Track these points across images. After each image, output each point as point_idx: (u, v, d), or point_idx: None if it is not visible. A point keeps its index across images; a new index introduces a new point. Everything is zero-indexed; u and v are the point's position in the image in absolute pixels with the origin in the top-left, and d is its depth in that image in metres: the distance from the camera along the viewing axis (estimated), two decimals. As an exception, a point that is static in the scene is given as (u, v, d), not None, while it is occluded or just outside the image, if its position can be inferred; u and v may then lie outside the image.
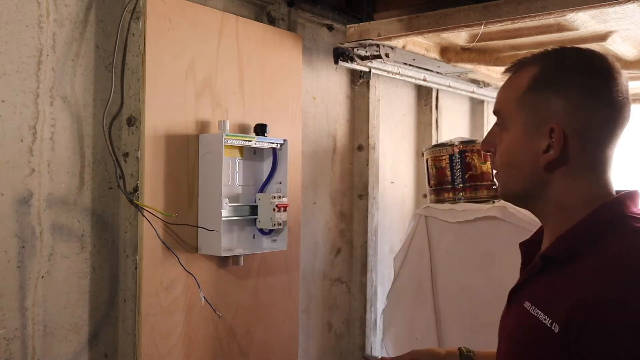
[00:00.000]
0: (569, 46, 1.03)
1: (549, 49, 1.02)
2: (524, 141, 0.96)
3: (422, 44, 2.15)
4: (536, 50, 1.04)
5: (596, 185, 0.94)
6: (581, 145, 0.93)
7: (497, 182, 1.04)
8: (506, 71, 1.04)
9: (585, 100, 0.92)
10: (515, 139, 0.97)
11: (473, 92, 2.88)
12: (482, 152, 1.05)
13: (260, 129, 1.69)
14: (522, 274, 1.03)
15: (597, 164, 0.94)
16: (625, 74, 0.96)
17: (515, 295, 1.01)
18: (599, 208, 0.92)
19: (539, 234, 1.07)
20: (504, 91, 1.02)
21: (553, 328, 0.84)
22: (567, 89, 0.94)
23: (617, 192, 0.96)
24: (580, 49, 1.01)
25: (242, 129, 1.72)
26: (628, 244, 0.87)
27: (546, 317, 0.86)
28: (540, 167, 0.94)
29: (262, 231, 1.75)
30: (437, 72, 2.58)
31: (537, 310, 0.89)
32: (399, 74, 2.39)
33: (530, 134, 0.95)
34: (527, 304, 0.92)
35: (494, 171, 1.05)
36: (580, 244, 0.90)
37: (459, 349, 1.36)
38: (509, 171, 0.99)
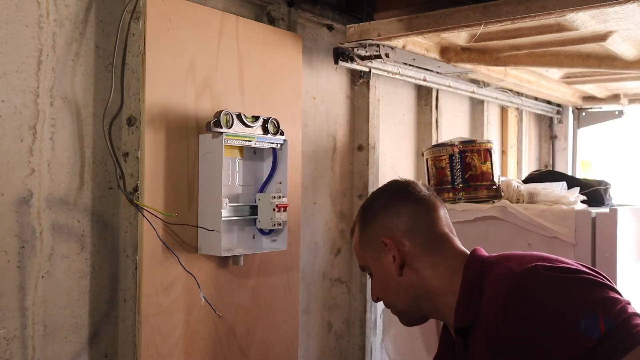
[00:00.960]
0: (375, 192, 1.29)
1: (363, 204, 1.27)
2: (381, 268, 1.18)
3: (422, 44, 2.15)
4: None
5: (446, 258, 1.13)
6: (412, 239, 1.14)
7: (395, 314, 1.23)
8: (351, 238, 1.29)
9: (391, 212, 1.17)
10: (378, 273, 1.19)
11: (473, 92, 2.88)
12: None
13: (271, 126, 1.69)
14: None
15: (435, 244, 1.15)
16: (419, 183, 1.24)
17: None
18: (466, 269, 1.09)
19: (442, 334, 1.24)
20: (355, 252, 1.27)
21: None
22: (375, 215, 1.19)
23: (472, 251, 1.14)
24: (379, 189, 1.28)
25: (242, 129, 1.72)
26: (496, 277, 1.04)
27: None
28: (399, 278, 1.15)
29: (262, 231, 1.75)
30: (437, 72, 2.57)
31: None
32: (399, 74, 2.39)
33: (379, 260, 1.17)
34: None
35: (388, 307, 1.24)
36: (472, 301, 1.05)
37: None
38: (390, 298, 1.20)
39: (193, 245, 1.60)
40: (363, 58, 2.20)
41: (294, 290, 1.92)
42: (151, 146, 1.49)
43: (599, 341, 0.87)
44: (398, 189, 1.22)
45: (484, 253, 1.13)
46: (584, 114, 3.84)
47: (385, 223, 1.17)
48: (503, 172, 3.30)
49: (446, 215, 1.20)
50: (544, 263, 0.99)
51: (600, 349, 0.87)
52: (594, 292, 0.94)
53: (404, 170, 2.64)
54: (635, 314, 0.91)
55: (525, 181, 2.30)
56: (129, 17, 1.50)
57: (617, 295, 0.94)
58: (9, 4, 1.31)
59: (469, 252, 1.14)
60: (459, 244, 1.17)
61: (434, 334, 2.05)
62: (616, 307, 0.91)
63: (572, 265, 1.01)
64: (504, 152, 3.35)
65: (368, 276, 1.26)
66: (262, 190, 1.75)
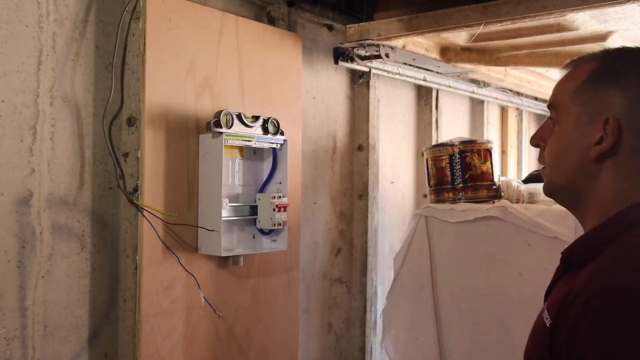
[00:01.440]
0: (630, 46, 1.02)
1: (610, 48, 1.01)
2: (577, 133, 0.95)
3: (422, 44, 2.15)
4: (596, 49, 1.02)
5: (637, 183, 0.93)
6: (634, 141, 0.91)
7: (544, 178, 1.03)
8: (565, 67, 1.02)
9: None
10: (568, 131, 0.97)
11: (473, 92, 2.88)
12: (532, 144, 1.04)
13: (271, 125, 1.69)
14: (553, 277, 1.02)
15: None
16: None
17: (545, 298, 1.01)
18: (625, 210, 0.91)
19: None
20: (560, 84, 1.01)
21: (547, 324, 0.85)
22: (627, 82, 0.93)
23: None
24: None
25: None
26: (631, 247, 0.86)
27: (547, 316, 0.87)
28: (590, 159, 0.93)
29: (262, 231, 1.75)
30: (437, 72, 2.58)
31: (546, 312, 0.89)
32: (399, 74, 2.39)
33: (584, 126, 0.94)
34: (545, 307, 0.92)
35: (542, 167, 1.04)
36: (594, 246, 0.90)
37: None
38: (558, 163, 0.99)
39: (193, 245, 1.60)
40: (363, 58, 2.20)
41: (294, 290, 1.92)
42: (151, 146, 1.49)
43: None
44: None
45: None
46: (584, 114, 3.83)
47: (624, 102, 0.91)
48: (503, 172, 3.31)
49: None
50: None
51: None
52: None
53: (404, 170, 2.64)
54: None
55: (525, 181, 2.30)
56: (129, 17, 1.50)
57: None
58: (9, 4, 1.31)
59: None
60: None
61: (434, 334, 2.05)
62: None
63: None
64: (504, 152, 3.35)
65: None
66: (262, 190, 1.75)
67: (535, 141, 1.03)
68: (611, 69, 0.95)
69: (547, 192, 1.03)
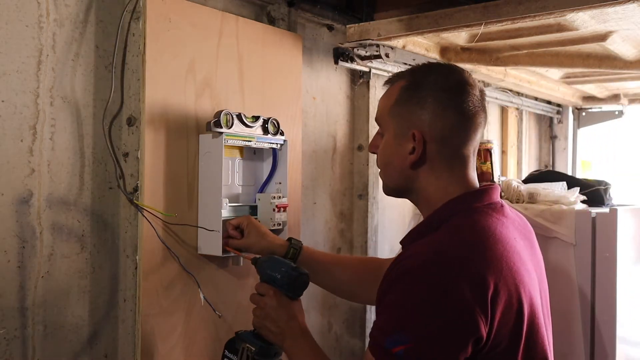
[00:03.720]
0: (435, 62, 1.25)
1: (419, 64, 1.21)
2: (395, 144, 1.15)
3: (422, 44, 2.15)
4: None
5: (454, 180, 1.13)
6: (438, 148, 1.12)
7: (380, 179, 1.23)
8: (385, 84, 1.22)
9: (440, 111, 1.11)
10: (389, 143, 1.17)
11: (473, 92, 2.87)
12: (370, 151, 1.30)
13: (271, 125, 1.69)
14: None
15: (454, 163, 1.13)
16: (479, 87, 1.16)
17: None
18: (445, 203, 1.11)
19: None
20: (381, 101, 1.20)
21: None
22: (425, 100, 1.12)
23: (481, 185, 1.15)
24: (441, 65, 1.23)
25: (242, 129, 1.72)
26: (449, 230, 1.06)
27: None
28: (407, 166, 1.14)
29: (262, 231, 1.75)
30: (437, 72, 2.57)
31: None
32: (399, 74, 2.39)
33: (399, 138, 1.14)
34: None
35: (379, 170, 1.23)
36: (422, 232, 1.11)
37: (289, 239, 1.55)
38: (386, 169, 1.19)
39: (193, 245, 1.60)
40: (363, 58, 2.20)
41: (294, 290, 1.92)
42: (151, 146, 1.49)
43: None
44: (457, 84, 1.14)
45: (488, 199, 1.13)
46: (584, 114, 3.84)
47: (426, 117, 1.12)
48: (503, 172, 3.31)
49: (481, 134, 1.17)
50: (433, 260, 1.01)
51: None
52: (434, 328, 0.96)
53: (404, 170, 2.64)
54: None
55: (525, 181, 2.30)
56: (129, 17, 1.50)
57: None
58: (9, 4, 1.31)
59: (473, 184, 1.15)
60: (472, 172, 1.16)
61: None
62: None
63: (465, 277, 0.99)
64: (504, 152, 3.35)
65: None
66: (262, 190, 1.75)
67: (371, 149, 1.23)
68: (414, 89, 1.14)
69: (385, 192, 1.24)
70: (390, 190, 1.22)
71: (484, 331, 0.95)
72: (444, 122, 1.11)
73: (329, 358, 1.30)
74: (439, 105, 1.11)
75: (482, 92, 1.16)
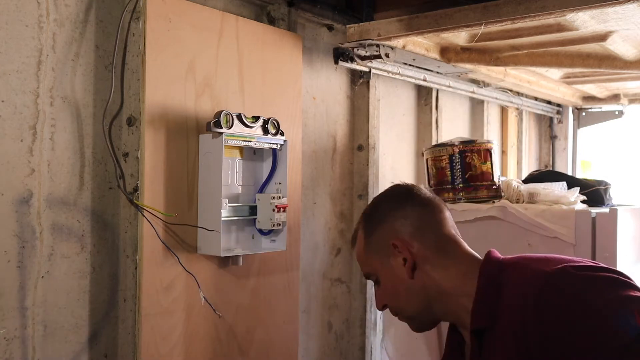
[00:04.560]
0: (379, 194, 1.28)
1: (366, 209, 1.26)
2: (390, 273, 1.15)
3: (422, 44, 2.15)
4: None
5: (459, 261, 1.12)
6: (421, 241, 1.13)
7: (410, 324, 1.20)
8: (352, 246, 1.27)
9: (399, 214, 1.15)
10: (386, 279, 1.17)
11: (473, 92, 2.88)
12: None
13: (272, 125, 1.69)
14: None
15: (445, 245, 1.14)
16: (421, 186, 1.23)
17: None
18: (483, 269, 1.08)
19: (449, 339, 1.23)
20: (358, 259, 1.24)
21: None
22: (382, 218, 1.17)
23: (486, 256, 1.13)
24: (384, 191, 1.26)
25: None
26: (516, 271, 1.04)
27: None
28: (410, 280, 1.13)
29: (261, 231, 1.75)
30: (437, 72, 2.58)
31: None
32: (399, 74, 2.39)
33: (388, 265, 1.15)
34: None
35: (396, 314, 1.21)
36: (491, 302, 1.03)
37: None
38: (399, 301, 1.17)
39: (193, 245, 1.60)
40: (363, 58, 2.20)
41: (294, 290, 1.92)
42: (151, 146, 1.49)
43: (635, 338, 0.87)
44: (402, 192, 1.21)
45: (499, 255, 1.13)
46: (584, 114, 3.84)
47: (393, 225, 1.15)
48: (503, 172, 3.31)
49: (450, 217, 1.19)
50: (572, 264, 0.98)
51: (636, 345, 0.87)
52: (625, 290, 0.93)
53: (404, 170, 2.64)
54: None
55: (525, 181, 2.30)
56: (129, 17, 1.50)
57: None
58: (9, 4, 1.31)
59: (476, 254, 1.14)
60: (466, 245, 1.16)
61: (434, 334, 2.06)
62: None
63: (598, 264, 1.00)
64: (504, 152, 3.35)
65: (373, 284, 1.23)
66: (261, 190, 1.75)
67: (380, 307, 1.21)
68: (371, 219, 1.20)
69: (418, 329, 1.20)
70: (422, 322, 1.18)
71: None
72: (411, 218, 1.15)
73: None
74: (397, 210, 1.16)
75: (429, 189, 1.24)
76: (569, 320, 0.91)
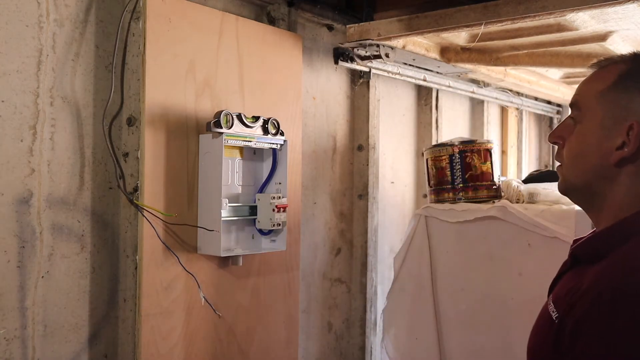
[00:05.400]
0: None
1: (635, 51, 1.00)
2: (599, 135, 0.95)
3: (422, 44, 2.15)
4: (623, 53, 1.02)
5: None
6: None
7: (559, 175, 1.04)
8: (592, 66, 1.02)
9: None
10: (590, 132, 0.97)
11: (473, 92, 2.88)
12: (550, 142, 1.05)
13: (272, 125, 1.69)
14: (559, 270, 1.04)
15: None
16: None
17: (550, 292, 1.02)
18: (638, 212, 0.91)
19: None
20: (586, 85, 1.01)
21: (554, 318, 0.86)
22: None
23: None
24: None
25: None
26: None
27: (554, 309, 0.88)
28: (611, 163, 0.94)
29: (261, 231, 1.75)
30: (437, 72, 2.58)
31: (552, 304, 0.90)
32: (399, 74, 2.39)
33: (606, 129, 0.95)
34: (550, 300, 0.94)
35: (558, 164, 1.04)
36: (606, 245, 0.91)
37: None
38: (576, 163, 0.99)
39: (193, 245, 1.60)
40: (363, 58, 2.20)
41: (294, 290, 1.92)
42: (151, 146, 1.49)
43: None
44: None
45: None
46: (584, 114, 3.83)
47: None
48: (503, 172, 3.31)
49: None
50: None
51: None
52: None
53: (404, 170, 2.64)
54: None
55: (525, 181, 2.30)
56: (129, 17, 1.50)
57: None
58: (9, 4, 1.31)
59: None
60: None
61: (435, 334, 2.05)
62: None
63: None
64: (504, 152, 3.35)
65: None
66: (261, 190, 1.75)
67: (553, 138, 1.03)
68: (638, 75, 0.95)
69: (562, 190, 1.04)
70: (571, 189, 1.02)
71: None
72: None
73: None
74: None
75: None
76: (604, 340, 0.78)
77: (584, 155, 0.98)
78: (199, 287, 1.59)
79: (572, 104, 1.01)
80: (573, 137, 0.99)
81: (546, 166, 3.80)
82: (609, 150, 0.94)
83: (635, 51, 1.00)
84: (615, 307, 0.78)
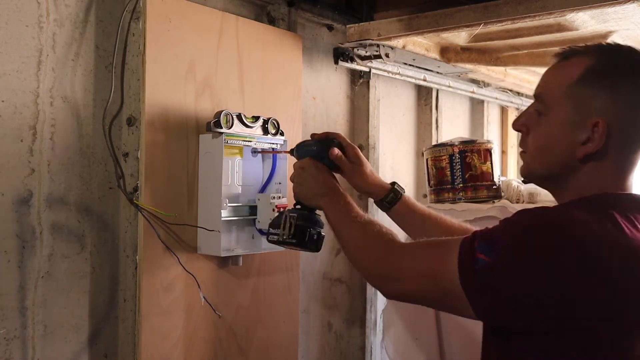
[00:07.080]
0: (624, 45, 1.02)
1: (604, 43, 1.01)
2: (564, 130, 0.97)
3: (422, 44, 2.15)
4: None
5: (617, 184, 0.96)
6: (618, 144, 0.94)
7: (522, 161, 1.07)
8: (556, 55, 1.03)
9: (633, 102, 0.93)
10: (555, 126, 0.98)
11: (473, 92, 2.88)
12: (514, 129, 1.09)
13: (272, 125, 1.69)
14: None
15: (625, 165, 0.97)
16: None
17: None
18: (597, 194, 0.95)
19: None
20: (551, 76, 1.02)
21: None
22: (620, 86, 0.94)
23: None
24: (636, 50, 1.00)
25: (242, 129, 1.72)
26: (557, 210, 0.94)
27: None
28: (575, 158, 0.96)
29: (261, 231, 1.75)
30: (437, 72, 2.57)
31: None
32: (399, 74, 2.39)
33: (572, 124, 0.96)
34: None
35: (521, 150, 1.07)
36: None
37: (393, 183, 1.46)
38: (541, 154, 1.01)
39: (193, 245, 1.60)
40: (363, 58, 2.20)
41: (294, 290, 1.92)
42: (151, 146, 1.49)
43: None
44: None
45: (627, 194, 0.96)
46: (584, 114, 3.83)
47: (614, 107, 0.93)
48: (503, 172, 3.31)
49: None
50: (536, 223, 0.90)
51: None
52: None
53: (404, 170, 2.64)
54: None
55: (525, 181, 2.30)
56: (129, 17, 1.50)
57: None
58: (9, 4, 1.31)
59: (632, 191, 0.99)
60: (633, 177, 1.00)
61: (435, 334, 2.05)
62: None
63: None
64: (504, 152, 3.35)
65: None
66: (261, 190, 1.75)
67: (518, 126, 1.05)
68: (605, 70, 0.95)
69: (525, 176, 1.07)
70: (535, 177, 1.05)
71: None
72: (635, 116, 0.93)
73: (363, 214, 1.29)
74: (633, 95, 0.93)
75: None
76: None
77: (549, 147, 0.99)
78: (199, 287, 1.59)
79: (537, 96, 1.03)
80: (538, 128, 1.01)
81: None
82: (574, 145, 0.96)
83: (601, 44, 1.01)
84: (525, 230, 0.89)
